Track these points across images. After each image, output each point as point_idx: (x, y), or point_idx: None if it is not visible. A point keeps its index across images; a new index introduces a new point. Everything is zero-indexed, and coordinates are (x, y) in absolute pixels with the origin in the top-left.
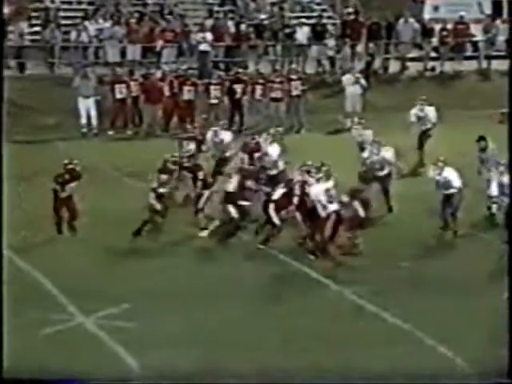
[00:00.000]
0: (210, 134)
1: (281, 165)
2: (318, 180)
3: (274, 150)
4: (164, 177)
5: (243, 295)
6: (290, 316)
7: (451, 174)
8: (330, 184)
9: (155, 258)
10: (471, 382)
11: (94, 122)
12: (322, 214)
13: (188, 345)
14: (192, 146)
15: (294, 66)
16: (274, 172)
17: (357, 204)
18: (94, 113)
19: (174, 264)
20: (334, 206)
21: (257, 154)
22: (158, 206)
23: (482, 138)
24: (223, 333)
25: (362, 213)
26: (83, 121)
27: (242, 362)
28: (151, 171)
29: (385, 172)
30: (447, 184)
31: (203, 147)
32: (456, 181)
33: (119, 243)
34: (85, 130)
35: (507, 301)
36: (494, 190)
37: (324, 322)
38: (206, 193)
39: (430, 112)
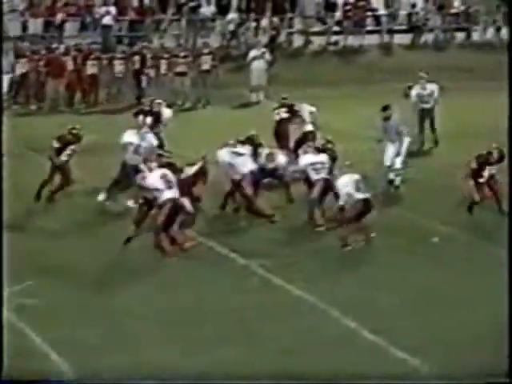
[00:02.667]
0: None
1: None
2: None
3: None
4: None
5: (148, 271)
6: (198, 290)
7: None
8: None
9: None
10: (471, 382)
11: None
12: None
13: (94, 321)
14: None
15: (203, 40)
16: None
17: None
18: (4, 89)
19: (78, 242)
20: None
21: None
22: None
23: (386, 108)
24: (130, 307)
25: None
26: None
27: (148, 336)
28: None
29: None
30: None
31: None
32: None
33: (20, 219)
34: None
35: (507, 301)
36: (397, 161)
37: (231, 295)
38: None
39: (435, 89)
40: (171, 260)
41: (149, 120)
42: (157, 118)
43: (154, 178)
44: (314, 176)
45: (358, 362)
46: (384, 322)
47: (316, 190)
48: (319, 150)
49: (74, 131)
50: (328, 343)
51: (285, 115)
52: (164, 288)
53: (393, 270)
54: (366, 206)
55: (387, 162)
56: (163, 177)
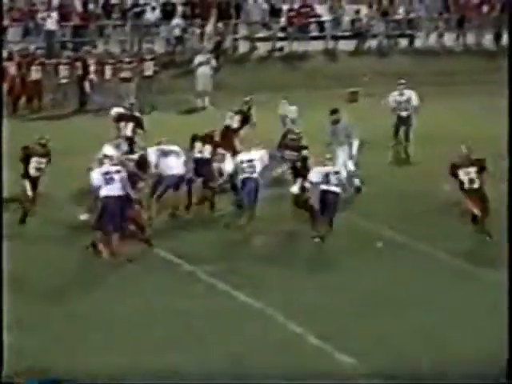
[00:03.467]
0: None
1: None
2: None
3: None
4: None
5: (98, 276)
6: (143, 295)
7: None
8: None
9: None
10: (471, 382)
11: None
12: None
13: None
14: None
15: (148, 46)
16: None
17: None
18: None
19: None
20: None
21: None
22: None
23: (334, 111)
24: (76, 312)
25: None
26: None
27: (95, 341)
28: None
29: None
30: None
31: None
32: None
33: None
34: None
35: (507, 299)
36: (349, 164)
37: (177, 301)
38: None
39: (412, 95)
40: (118, 265)
41: (130, 126)
42: (138, 123)
43: (96, 174)
44: (240, 175)
45: (303, 365)
46: (331, 327)
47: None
48: (288, 147)
49: (43, 141)
50: (274, 348)
51: (235, 124)
52: (110, 293)
53: (341, 274)
54: (327, 197)
55: (351, 167)
56: (106, 173)
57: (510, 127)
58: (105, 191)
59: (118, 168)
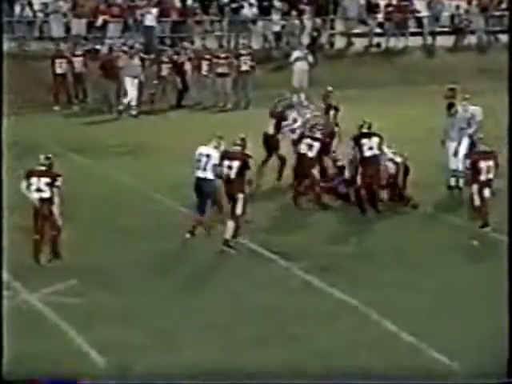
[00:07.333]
0: None
1: None
2: None
3: None
4: None
5: (191, 271)
6: (239, 291)
7: None
8: None
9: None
10: (472, 382)
11: None
12: None
13: (135, 321)
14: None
15: (243, 41)
16: None
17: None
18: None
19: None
20: None
21: None
22: None
23: (451, 105)
24: (171, 308)
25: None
26: None
27: (192, 336)
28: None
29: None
30: None
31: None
32: None
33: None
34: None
35: (507, 300)
36: (459, 165)
37: (271, 297)
38: None
39: (476, 112)
40: (209, 259)
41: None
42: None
43: (197, 152)
44: None
45: (397, 364)
46: (425, 325)
47: None
48: None
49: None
50: (368, 346)
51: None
52: (201, 287)
53: (436, 272)
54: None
55: (460, 167)
56: (199, 154)
57: (510, 126)
58: (196, 172)
59: (208, 152)
